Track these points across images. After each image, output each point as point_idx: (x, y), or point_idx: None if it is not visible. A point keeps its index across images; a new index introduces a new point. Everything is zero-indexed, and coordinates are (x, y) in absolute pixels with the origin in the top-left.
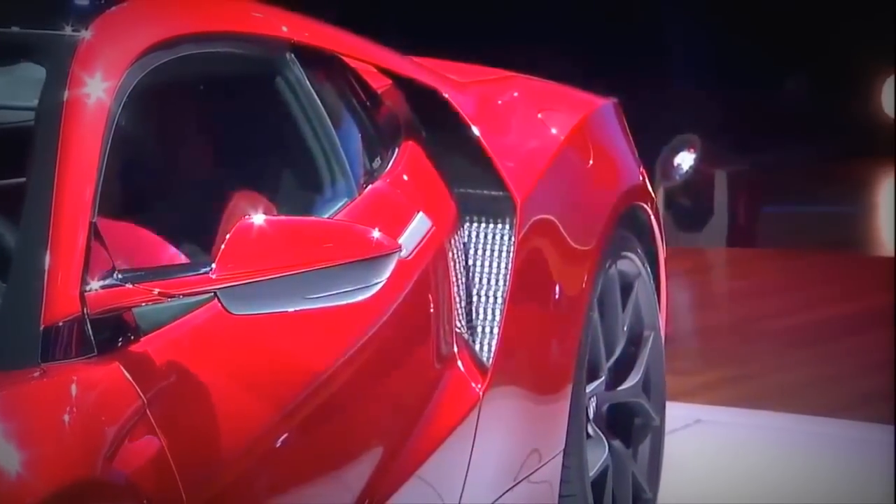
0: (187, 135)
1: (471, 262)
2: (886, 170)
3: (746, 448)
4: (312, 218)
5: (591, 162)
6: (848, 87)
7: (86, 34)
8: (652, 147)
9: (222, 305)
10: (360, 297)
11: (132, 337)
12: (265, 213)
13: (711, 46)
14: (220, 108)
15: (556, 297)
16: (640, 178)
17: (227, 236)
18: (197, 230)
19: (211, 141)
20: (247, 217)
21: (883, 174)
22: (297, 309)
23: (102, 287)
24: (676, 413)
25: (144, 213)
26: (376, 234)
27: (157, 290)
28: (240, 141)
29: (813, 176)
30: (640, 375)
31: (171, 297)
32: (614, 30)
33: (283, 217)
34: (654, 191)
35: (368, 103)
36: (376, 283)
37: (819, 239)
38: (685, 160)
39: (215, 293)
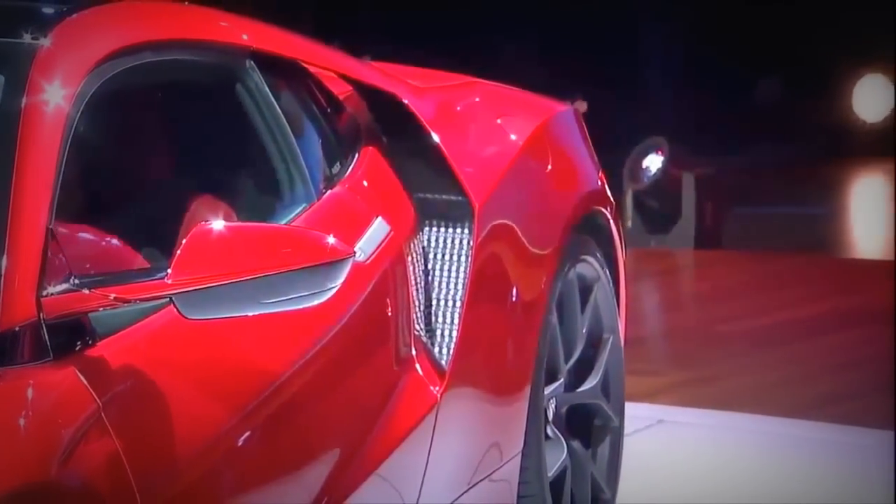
0: (147, 141)
1: (430, 265)
2: (857, 171)
3: (708, 448)
4: (267, 224)
5: (549, 167)
6: (819, 90)
7: (45, 42)
8: (621, 149)
9: (178, 310)
10: (314, 302)
11: (88, 341)
12: (225, 218)
13: (682, 49)
14: (179, 115)
15: (514, 300)
16: (599, 183)
17: (183, 242)
18: (157, 235)
19: (171, 147)
20: (202, 223)
21: (853, 175)
22: (253, 314)
23: (59, 292)
24: (639, 413)
25: (105, 219)
26: (331, 239)
27: (113, 296)
28: (200, 147)
29: (784, 177)
30: (599, 377)
31: (128, 302)
32: (584, 32)
33: (238, 223)
34: (623, 193)
35: (329, 109)
36: (331, 288)
37: (788, 240)
38: (653, 163)
39: (171, 298)
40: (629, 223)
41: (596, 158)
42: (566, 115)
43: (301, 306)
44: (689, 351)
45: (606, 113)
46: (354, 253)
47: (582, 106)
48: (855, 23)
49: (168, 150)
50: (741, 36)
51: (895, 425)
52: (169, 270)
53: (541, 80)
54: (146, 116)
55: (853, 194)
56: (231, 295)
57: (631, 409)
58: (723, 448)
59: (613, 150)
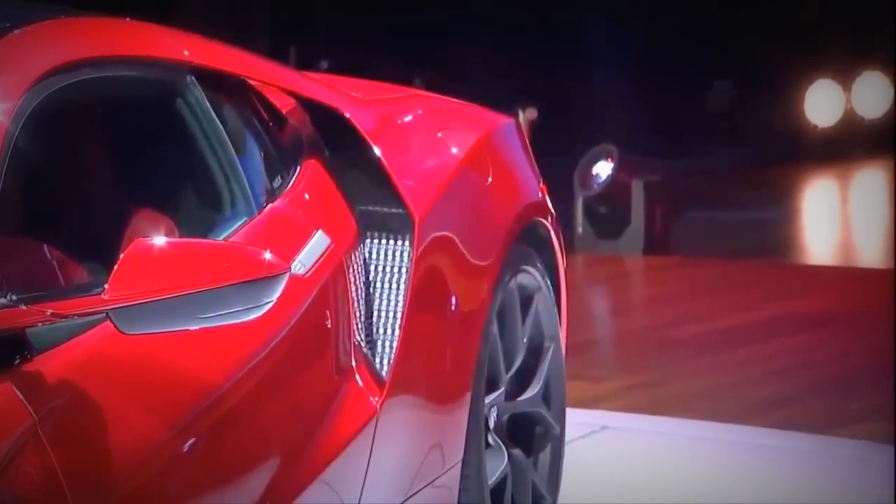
0: (88, 156)
1: (370, 277)
2: (808, 175)
3: (652, 454)
4: (203, 240)
5: (490, 179)
6: (771, 94)
7: None
8: (571, 156)
9: (115, 326)
10: (251, 317)
11: (26, 356)
12: (166, 232)
13: (633, 54)
14: (120, 130)
15: (454, 310)
16: (540, 195)
17: (120, 258)
18: (98, 250)
19: (112, 162)
20: (139, 239)
21: (805, 180)
22: (190, 328)
23: None
24: (583, 420)
25: (46, 233)
26: (267, 255)
27: (50, 311)
28: (140, 162)
29: (736, 182)
30: (540, 385)
31: (65, 318)
32: (534, 37)
33: (174, 239)
34: (573, 199)
35: (271, 123)
36: (266, 303)
37: (738, 244)
38: (603, 170)
39: (108, 314)
40: (580, 229)
41: (537, 170)
42: (507, 127)
43: (237, 321)
44: (636, 356)
45: (557, 119)
46: (290, 268)
47: (532, 113)
48: (807, 27)
49: (109, 165)
50: (697, 43)
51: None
52: (106, 286)
53: (491, 87)
54: (87, 132)
55: (804, 199)
56: (168, 310)
57: (575, 415)
58: (667, 454)
59: (563, 156)
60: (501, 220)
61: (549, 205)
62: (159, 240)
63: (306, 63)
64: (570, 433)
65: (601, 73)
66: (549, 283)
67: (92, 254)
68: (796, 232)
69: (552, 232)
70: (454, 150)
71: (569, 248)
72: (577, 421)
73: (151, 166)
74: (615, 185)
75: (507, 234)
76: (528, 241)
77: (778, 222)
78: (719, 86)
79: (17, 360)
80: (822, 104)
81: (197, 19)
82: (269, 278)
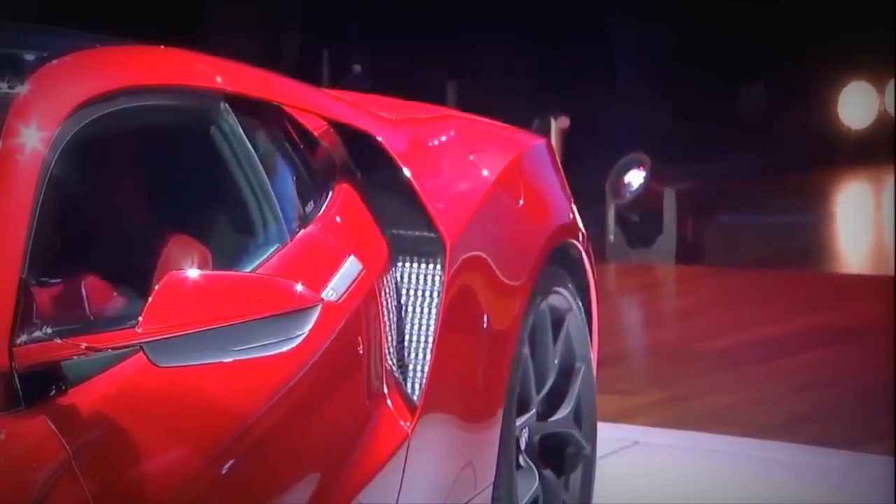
0: (122, 185)
1: (402, 301)
2: (842, 179)
3: (685, 471)
4: (235, 272)
5: (521, 202)
6: (804, 96)
7: (22, 89)
8: (603, 165)
9: (148, 359)
10: (282, 349)
11: (60, 389)
12: (200, 260)
13: (665, 58)
14: (154, 159)
15: (486, 334)
16: (571, 216)
17: (154, 291)
18: (133, 277)
19: (146, 191)
20: (172, 272)
21: (838, 183)
22: (223, 361)
23: (31, 341)
24: (614, 435)
25: (80, 261)
26: (299, 287)
27: (84, 345)
28: (175, 191)
29: (769, 186)
30: (571, 406)
31: (99, 351)
32: (565, 48)
33: (207, 272)
34: (605, 208)
35: (303, 146)
36: (298, 336)
37: (771, 250)
38: (635, 178)
39: (141, 347)
40: (611, 237)
41: (568, 190)
42: (539, 148)
43: (269, 353)
44: (666, 369)
45: (589, 129)
46: (322, 300)
47: (564, 122)
48: (840, 28)
49: (143, 193)
50: (729, 46)
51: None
52: (140, 319)
53: (522, 97)
54: (121, 161)
55: (837, 203)
56: (201, 343)
57: (607, 430)
58: (700, 470)
59: (596, 165)
60: (533, 242)
61: (580, 225)
62: (192, 272)
63: (339, 66)
64: (602, 448)
65: (629, 77)
66: (580, 303)
67: (128, 281)
68: (828, 237)
69: (583, 252)
70: (485, 172)
71: (600, 256)
72: (609, 436)
73: (186, 195)
74: (647, 193)
75: (539, 257)
76: (559, 263)
77: (810, 227)
78: (751, 88)
79: (52, 394)
80: (855, 106)
81: (230, 22)
82: (302, 311)
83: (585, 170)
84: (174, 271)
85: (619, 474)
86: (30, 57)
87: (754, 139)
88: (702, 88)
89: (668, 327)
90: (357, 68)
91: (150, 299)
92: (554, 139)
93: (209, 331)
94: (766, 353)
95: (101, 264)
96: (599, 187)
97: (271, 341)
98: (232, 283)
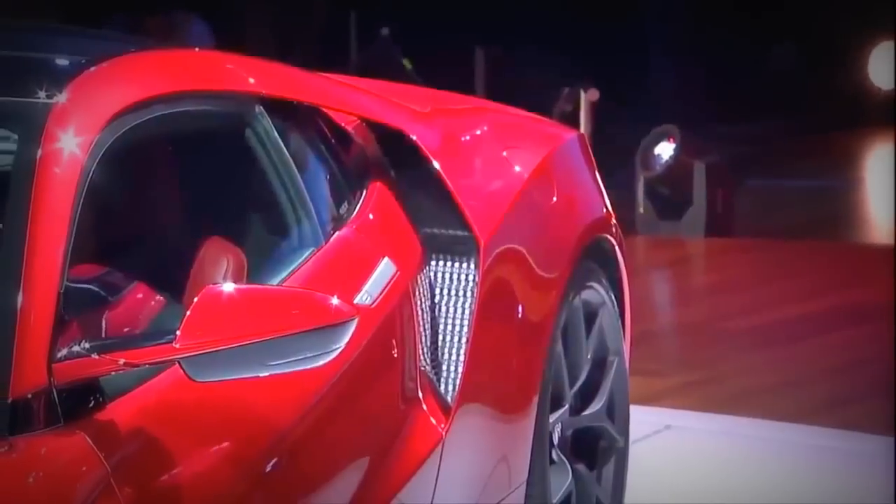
0: (160, 191)
1: (435, 300)
2: (872, 141)
3: (718, 455)
4: (272, 286)
5: (554, 198)
6: (834, 57)
7: (61, 97)
8: (633, 137)
9: (185, 373)
10: (319, 363)
11: (97, 404)
12: (235, 263)
13: (692, 25)
14: (190, 163)
15: (519, 331)
16: (604, 211)
17: (191, 305)
18: (171, 282)
19: (182, 195)
20: (209, 286)
21: (869, 146)
22: (259, 375)
23: (69, 357)
24: (646, 418)
25: (118, 264)
26: (335, 301)
27: (122, 361)
28: (210, 194)
29: (796, 149)
30: (604, 400)
31: (136, 366)
32: (594, 20)
33: (244, 286)
34: (635, 180)
35: (336, 144)
36: (335, 349)
37: (800, 217)
38: (665, 150)
39: (179, 362)
40: (641, 210)
41: (601, 184)
42: (572, 143)
43: (305, 367)
44: (697, 349)
45: (618, 101)
46: (358, 314)
47: (594, 94)
48: None
49: (179, 198)
50: (757, 8)
51: (895, 430)
52: (177, 333)
53: (551, 69)
54: (158, 167)
55: (867, 166)
56: (237, 357)
57: (637, 413)
58: (732, 455)
59: (625, 138)
60: (566, 239)
61: (613, 219)
62: (228, 286)
63: (366, 29)
64: (634, 433)
65: (659, 38)
66: (613, 297)
67: (165, 289)
68: (859, 202)
69: (616, 247)
70: (518, 169)
71: (630, 229)
72: (641, 419)
73: (221, 198)
74: (677, 165)
75: (572, 253)
76: (592, 258)
77: (840, 191)
78: (780, 49)
79: (90, 410)
80: (886, 66)
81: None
82: (338, 325)
83: (615, 142)
84: (211, 285)
85: (653, 459)
86: (64, 62)
87: (783, 100)
88: (729, 48)
89: (697, 305)
90: (385, 31)
91: (187, 314)
92: (583, 111)
93: (246, 345)
94: (797, 332)
95: (141, 267)
96: (629, 160)
97: (308, 355)
98: (268, 297)
